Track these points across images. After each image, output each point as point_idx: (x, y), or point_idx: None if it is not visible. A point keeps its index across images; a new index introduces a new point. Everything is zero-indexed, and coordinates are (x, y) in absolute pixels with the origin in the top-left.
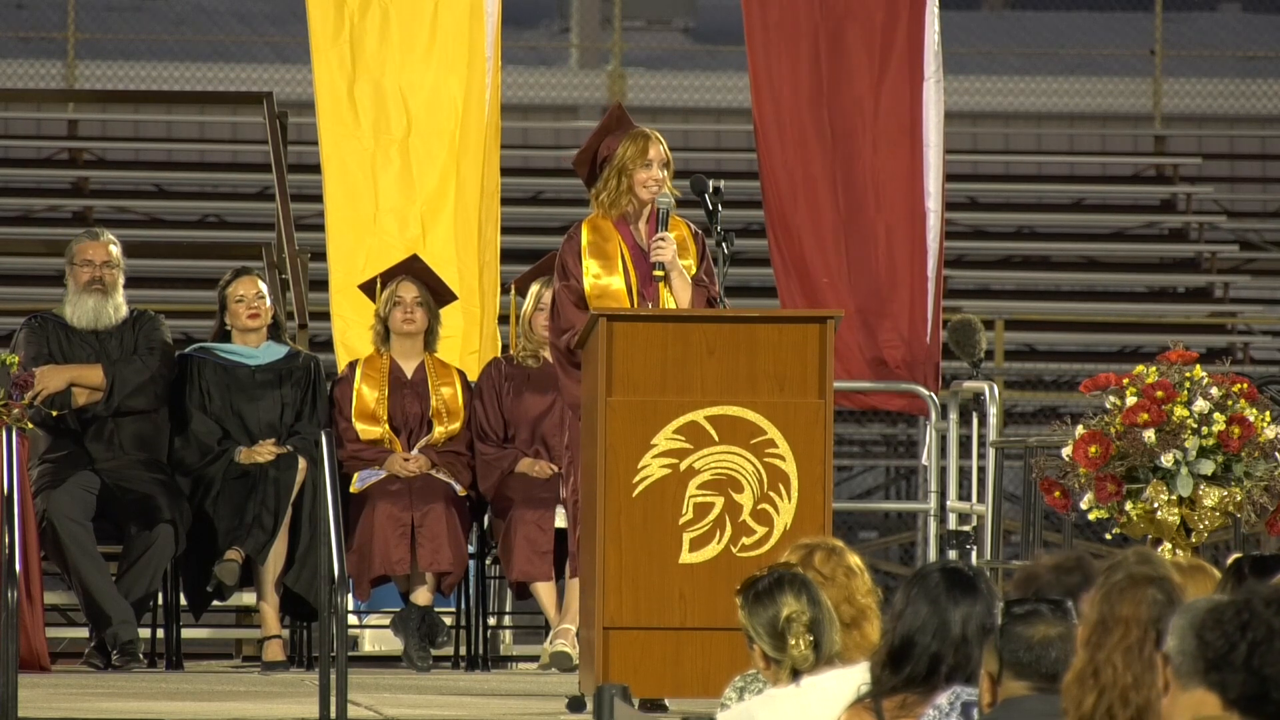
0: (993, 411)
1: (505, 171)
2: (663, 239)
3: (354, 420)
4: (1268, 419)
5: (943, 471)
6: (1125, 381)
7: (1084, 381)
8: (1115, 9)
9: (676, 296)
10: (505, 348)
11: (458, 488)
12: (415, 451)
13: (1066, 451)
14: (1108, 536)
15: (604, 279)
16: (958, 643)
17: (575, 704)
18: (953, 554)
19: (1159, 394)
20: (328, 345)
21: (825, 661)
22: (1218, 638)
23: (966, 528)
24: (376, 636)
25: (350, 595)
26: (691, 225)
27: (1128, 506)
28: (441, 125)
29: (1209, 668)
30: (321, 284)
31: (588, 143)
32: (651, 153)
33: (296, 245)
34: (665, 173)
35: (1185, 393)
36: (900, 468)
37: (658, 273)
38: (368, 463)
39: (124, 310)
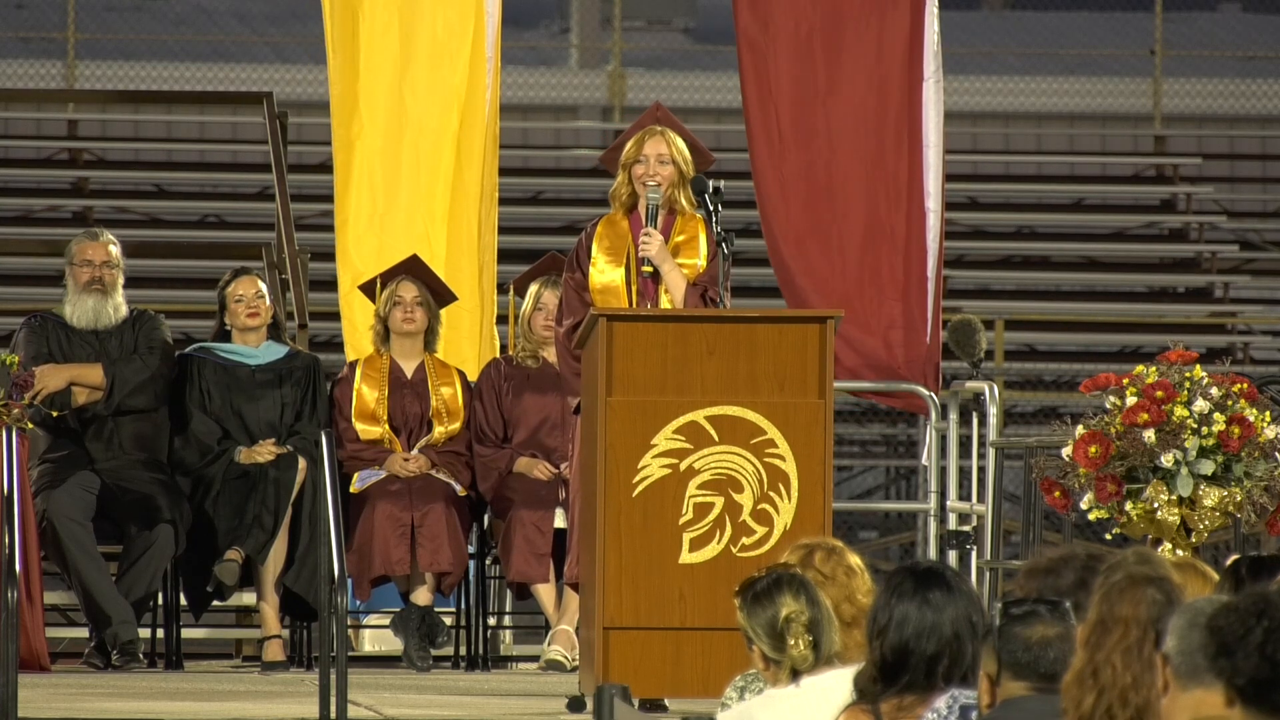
0: (993, 411)
1: (505, 171)
2: (647, 234)
3: (354, 420)
4: (1268, 419)
5: (943, 471)
6: (1125, 381)
7: (1084, 381)
8: (1115, 9)
9: (670, 292)
10: (504, 348)
11: (458, 488)
12: (415, 451)
13: (1066, 451)
14: (1108, 536)
15: (607, 273)
16: (951, 641)
17: (575, 704)
18: (952, 554)
19: (1159, 394)
20: (328, 345)
21: (825, 662)
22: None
23: (966, 528)
24: (376, 636)
25: (350, 595)
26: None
27: (1128, 506)
28: (441, 125)
29: (1219, 653)
30: (321, 284)
31: (618, 140)
32: (647, 148)
33: (296, 245)
34: (668, 168)
35: (1185, 393)
36: (900, 468)
37: (645, 268)
38: (368, 463)
39: (124, 310)
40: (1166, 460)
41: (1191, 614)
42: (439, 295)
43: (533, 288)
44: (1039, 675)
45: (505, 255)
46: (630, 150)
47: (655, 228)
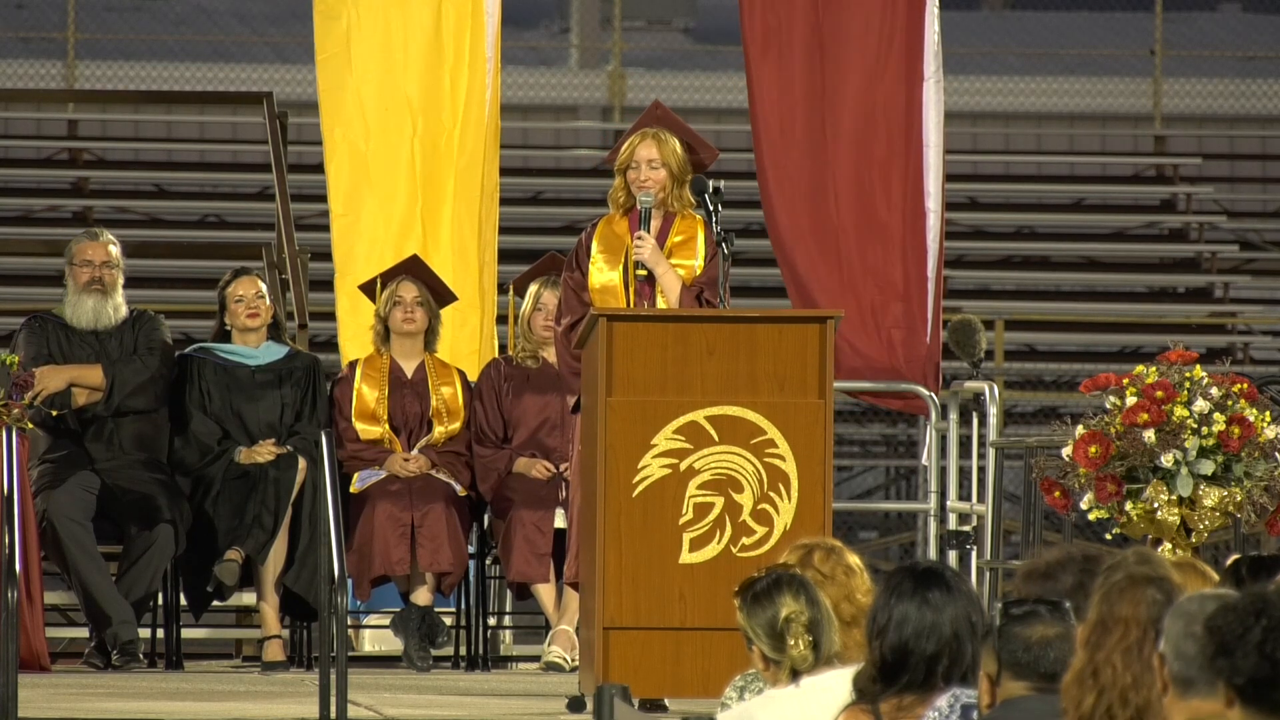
0: (993, 411)
1: (505, 171)
2: (640, 237)
3: (354, 420)
4: (1268, 419)
5: (943, 471)
6: (1125, 381)
7: (1084, 381)
8: (1115, 9)
9: (665, 295)
10: (503, 348)
11: (458, 488)
12: (415, 451)
13: (1066, 451)
14: (1108, 536)
15: (605, 273)
16: (950, 641)
17: (575, 704)
18: (952, 554)
19: (1159, 394)
20: (328, 345)
21: (824, 662)
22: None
23: (966, 528)
24: (376, 636)
25: (350, 595)
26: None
27: (1128, 506)
28: (441, 125)
29: (1218, 653)
30: (321, 284)
31: (619, 140)
32: (639, 153)
33: (296, 245)
34: (659, 172)
35: (1185, 393)
36: (900, 468)
37: (639, 271)
38: (368, 463)
39: (124, 310)
40: (1166, 460)
41: (1186, 619)
42: (439, 295)
43: (532, 288)
44: (1039, 675)
45: (505, 255)
46: (624, 155)
47: (649, 231)
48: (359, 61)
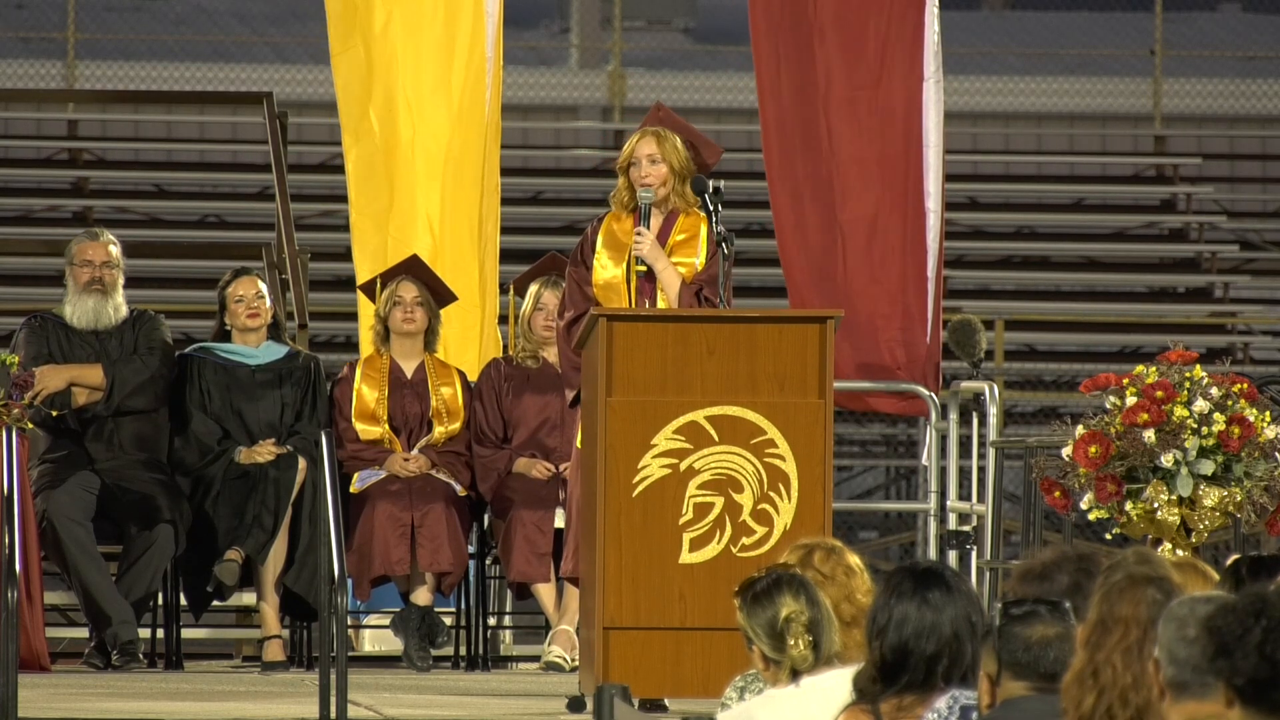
0: (993, 411)
1: (505, 171)
2: (639, 233)
3: (354, 420)
4: (1268, 419)
5: (943, 471)
6: (1125, 381)
7: (1084, 381)
8: (1115, 9)
9: (665, 291)
10: (504, 348)
11: (458, 488)
12: (415, 451)
13: (1066, 451)
14: (1108, 536)
15: (609, 270)
16: (950, 641)
17: (575, 704)
18: (952, 554)
19: (1159, 394)
20: (328, 345)
21: (824, 662)
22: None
23: (966, 528)
24: (376, 636)
25: (350, 595)
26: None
27: (1128, 506)
28: (442, 125)
29: (1218, 654)
30: (321, 284)
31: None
32: (639, 150)
33: (296, 245)
34: (659, 168)
35: (1185, 393)
36: (900, 468)
37: (639, 267)
38: (368, 463)
39: (124, 310)
40: (1166, 460)
41: (1177, 624)
42: (439, 295)
43: (533, 288)
44: (1039, 675)
45: (505, 255)
46: (625, 153)
47: (649, 227)
48: (370, 62)
